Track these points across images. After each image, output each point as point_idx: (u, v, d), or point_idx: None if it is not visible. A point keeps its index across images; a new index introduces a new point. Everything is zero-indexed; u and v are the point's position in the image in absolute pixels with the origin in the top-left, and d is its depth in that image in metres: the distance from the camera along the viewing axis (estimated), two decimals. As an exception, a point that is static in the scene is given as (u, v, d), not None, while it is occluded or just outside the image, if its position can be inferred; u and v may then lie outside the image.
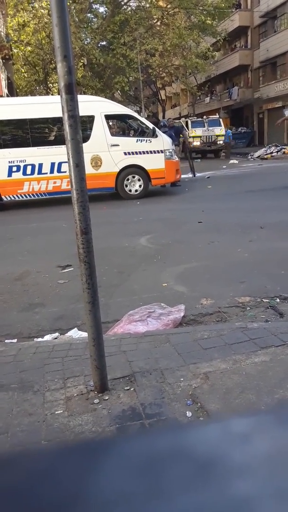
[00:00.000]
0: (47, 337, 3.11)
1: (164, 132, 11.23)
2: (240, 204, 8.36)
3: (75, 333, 3.14)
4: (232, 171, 15.71)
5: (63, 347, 2.81)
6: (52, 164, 9.65)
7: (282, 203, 7.99)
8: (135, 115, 10.86)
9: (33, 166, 9.62)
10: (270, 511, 0.23)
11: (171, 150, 10.33)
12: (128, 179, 10.19)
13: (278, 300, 3.51)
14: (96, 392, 2.26)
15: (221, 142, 24.17)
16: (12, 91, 22.05)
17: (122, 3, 24.24)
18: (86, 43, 22.58)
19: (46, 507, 0.24)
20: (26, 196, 9.90)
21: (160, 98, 40.93)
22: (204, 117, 26.38)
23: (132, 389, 2.28)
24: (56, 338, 3.09)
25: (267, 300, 3.50)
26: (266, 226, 6.09)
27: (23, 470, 0.27)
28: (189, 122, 25.23)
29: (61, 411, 2.14)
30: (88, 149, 8.94)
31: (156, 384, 2.30)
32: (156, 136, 10.11)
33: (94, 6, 24.14)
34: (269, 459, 0.26)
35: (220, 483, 0.24)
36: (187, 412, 2.05)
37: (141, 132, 10.36)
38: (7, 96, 18.60)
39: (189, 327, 3.12)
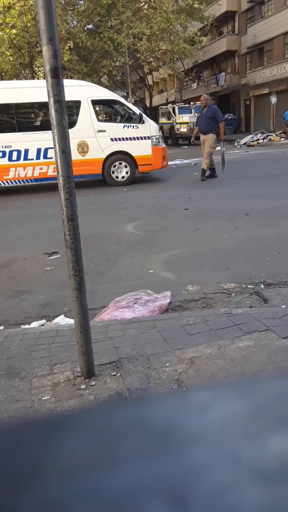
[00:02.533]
0: (34, 324, 3.12)
1: None
2: (226, 191, 8.38)
3: (62, 320, 3.15)
4: (218, 158, 15.69)
5: (50, 334, 2.82)
6: (38, 150, 9.52)
7: (268, 190, 8.04)
8: (122, 100, 10.74)
9: (19, 152, 9.49)
10: (222, 476, 0.24)
11: (158, 136, 10.28)
12: (115, 166, 10.13)
13: (262, 286, 3.55)
14: (83, 378, 2.28)
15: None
16: (-3, 74, 21.62)
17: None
18: (72, 26, 22.20)
19: (6, 479, 0.25)
20: (12, 183, 9.78)
21: (147, 84, 40.52)
22: (191, 103, 26.26)
23: (118, 374, 2.30)
24: (43, 325, 3.10)
25: (252, 286, 3.55)
26: (252, 213, 6.13)
27: None
28: (176, 108, 25.09)
29: (48, 397, 2.15)
30: (75, 135, 8.85)
31: (142, 369, 2.33)
32: (143, 122, 10.03)
33: (80, -12, 23.69)
34: (224, 428, 0.28)
35: (176, 451, 0.26)
36: (172, 397, 2.08)
37: (128, 118, 10.26)
38: (-9, 79, 18.24)
39: (175, 313, 3.15)
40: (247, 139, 22.67)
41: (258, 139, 22.02)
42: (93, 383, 2.24)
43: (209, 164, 9.93)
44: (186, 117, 24.08)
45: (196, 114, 23.79)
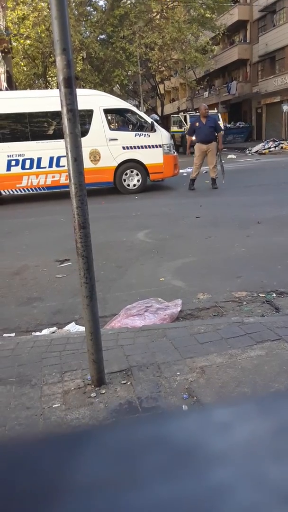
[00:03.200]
0: (45, 331, 3.12)
1: None
2: (237, 199, 8.36)
3: (73, 327, 3.15)
4: (229, 166, 15.67)
5: (60, 341, 2.82)
6: (51, 158, 9.62)
7: (279, 198, 8.00)
8: (134, 109, 10.82)
9: (31, 160, 9.60)
10: (248, 498, 0.23)
11: (169, 145, 10.32)
12: (126, 174, 10.18)
13: (274, 294, 3.52)
14: (93, 386, 2.27)
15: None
16: (11, 84, 21.96)
17: (122, -4, 24.11)
18: (85, 36, 22.44)
19: (24, 496, 0.24)
20: (24, 191, 9.88)
21: (159, 92, 40.74)
22: (203, 111, 26.26)
23: (129, 383, 2.30)
24: (53, 332, 3.10)
25: (264, 295, 3.52)
26: (263, 221, 6.10)
27: (1, 460, 0.28)
28: (188, 117, 25.14)
29: (58, 404, 2.15)
30: (87, 143, 8.93)
31: (152, 378, 2.32)
32: (155, 131, 10.09)
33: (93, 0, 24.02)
34: (249, 447, 0.27)
35: (199, 470, 0.25)
36: (183, 406, 2.07)
37: (140, 127, 10.32)
38: (6, 89, 18.51)
39: (186, 321, 3.14)
40: (258, 147, 22.61)
41: (269, 147, 21.96)
42: (104, 391, 2.23)
43: (216, 172, 9.91)
44: (197, 126, 24.08)
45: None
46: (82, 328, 2.82)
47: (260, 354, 2.48)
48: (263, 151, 21.47)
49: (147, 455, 0.27)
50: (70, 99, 1.98)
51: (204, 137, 9.78)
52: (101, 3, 24.55)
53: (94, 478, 0.25)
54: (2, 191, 9.75)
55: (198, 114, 25.49)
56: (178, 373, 2.34)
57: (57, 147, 9.02)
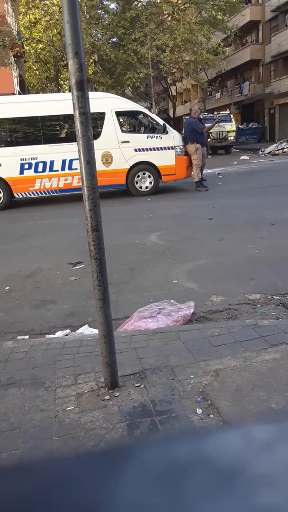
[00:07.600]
0: (58, 334, 3.13)
1: None
2: (251, 200, 8.31)
3: (86, 330, 3.16)
4: (243, 168, 15.61)
5: (74, 344, 2.83)
6: (63, 161, 9.67)
7: (294, 199, 7.93)
8: (146, 111, 10.83)
9: (44, 163, 9.66)
10: None
11: (181, 146, 10.30)
12: (138, 176, 10.19)
13: (289, 297, 3.48)
14: (106, 389, 2.27)
15: (232, 138, 24.00)
16: (24, 88, 22.14)
17: (133, -2, 24.19)
18: (97, 39, 22.55)
19: None
20: (37, 193, 9.95)
21: (170, 94, 40.76)
22: (215, 112, 26.24)
23: (142, 386, 2.29)
24: (67, 335, 3.11)
25: (278, 297, 3.48)
26: (277, 222, 6.05)
27: (39, 479, 0.27)
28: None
29: (72, 407, 2.15)
30: (99, 146, 8.97)
31: (166, 381, 2.31)
32: (167, 133, 10.08)
33: (105, 2, 24.13)
34: None
35: (243, 493, 0.24)
36: (197, 409, 2.05)
37: (152, 129, 10.33)
38: (19, 93, 18.68)
39: (199, 324, 3.12)
40: (271, 148, 22.46)
41: (283, 148, 21.79)
42: (117, 394, 2.22)
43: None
44: (210, 127, 24.03)
45: (221, 124, 23.78)
46: (95, 331, 2.82)
47: (275, 357, 2.45)
48: (277, 152, 21.31)
49: (189, 476, 0.25)
50: (82, 102, 1.98)
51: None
52: (113, 6, 24.50)
53: (136, 502, 0.24)
54: (15, 194, 9.83)
55: (211, 115, 25.46)
56: (192, 376, 2.33)
57: (70, 150, 9.07)
